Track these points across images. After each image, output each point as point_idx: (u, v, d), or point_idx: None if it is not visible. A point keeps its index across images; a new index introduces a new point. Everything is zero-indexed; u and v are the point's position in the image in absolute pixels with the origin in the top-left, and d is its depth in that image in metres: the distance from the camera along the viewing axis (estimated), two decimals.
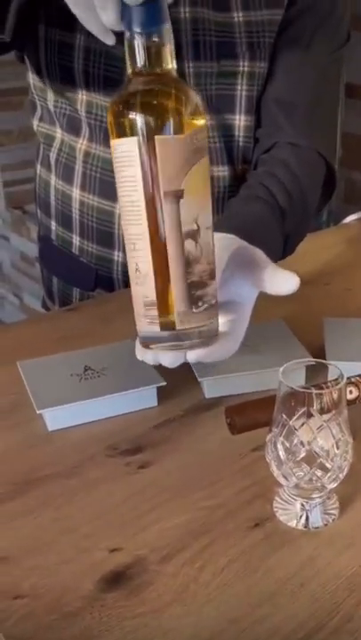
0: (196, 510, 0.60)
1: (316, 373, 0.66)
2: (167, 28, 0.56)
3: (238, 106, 0.94)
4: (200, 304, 0.63)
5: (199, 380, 0.75)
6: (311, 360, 0.63)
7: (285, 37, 0.91)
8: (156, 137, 0.57)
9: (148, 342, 0.61)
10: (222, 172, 0.96)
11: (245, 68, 0.92)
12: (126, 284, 1.09)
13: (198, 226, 0.61)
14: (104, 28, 0.59)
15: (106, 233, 1.02)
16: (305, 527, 0.58)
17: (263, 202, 0.83)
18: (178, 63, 0.91)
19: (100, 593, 0.52)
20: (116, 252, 1.03)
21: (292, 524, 0.58)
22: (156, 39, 0.56)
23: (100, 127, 0.96)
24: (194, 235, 0.61)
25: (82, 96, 0.94)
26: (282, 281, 0.65)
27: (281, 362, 0.73)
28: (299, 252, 0.90)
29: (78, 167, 1.00)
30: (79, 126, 0.98)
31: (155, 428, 0.71)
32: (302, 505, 0.58)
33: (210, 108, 0.93)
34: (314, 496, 0.57)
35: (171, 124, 0.56)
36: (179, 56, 0.90)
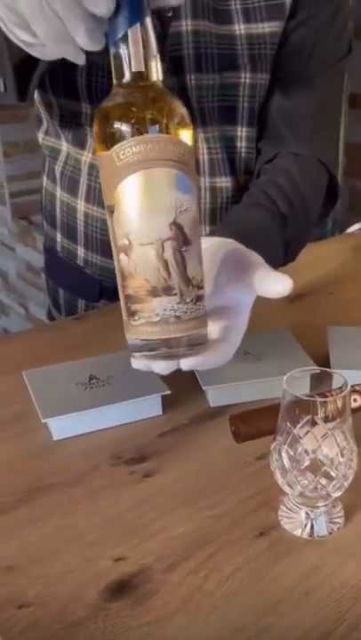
0: (201, 519, 0.60)
1: (320, 382, 0.66)
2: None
3: (240, 117, 0.95)
4: (136, 318, 0.64)
5: (204, 388, 0.75)
6: (315, 368, 0.63)
7: (287, 49, 0.91)
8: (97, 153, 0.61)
9: (132, 350, 0.63)
10: (225, 182, 0.96)
11: (247, 80, 0.93)
12: None
13: (130, 241, 0.62)
14: (77, 48, 0.59)
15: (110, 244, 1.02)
16: (310, 536, 0.58)
17: (264, 208, 0.83)
18: (180, 76, 0.93)
19: (105, 602, 0.52)
20: None
21: (297, 532, 0.58)
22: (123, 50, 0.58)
23: None
24: (126, 250, 0.63)
25: (85, 110, 0.95)
26: (274, 283, 0.63)
27: (285, 370, 0.73)
28: (303, 260, 0.90)
29: (83, 179, 1.01)
30: (84, 139, 0.99)
31: (159, 437, 0.71)
32: (307, 513, 0.58)
33: (212, 120, 0.94)
34: (319, 504, 0.57)
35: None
36: (181, 69, 0.92)
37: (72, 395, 0.73)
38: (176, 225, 0.64)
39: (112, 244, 0.63)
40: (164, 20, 0.89)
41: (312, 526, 0.58)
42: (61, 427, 0.71)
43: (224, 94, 0.93)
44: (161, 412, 0.75)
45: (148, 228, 0.63)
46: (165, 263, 0.64)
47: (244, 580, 0.54)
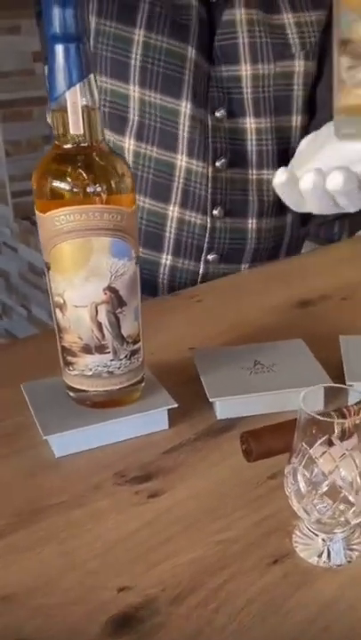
0: (211, 545, 0.56)
1: (335, 396, 0.63)
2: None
3: (295, 106, 0.96)
4: (71, 369, 0.67)
5: (211, 400, 0.71)
6: (330, 385, 0.60)
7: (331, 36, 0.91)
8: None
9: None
10: (272, 175, 0.95)
11: (301, 68, 0.94)
12: (172, 289, 1.06)
13: (64, 301, 0.64)
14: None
15: (156, 235, 1.04)
16: (327, 564, 0.54)
17: None
18: (235, 67, 0.95)
19: (108, 638, 0.49)
20: (163, 255, 1.04)
21: (314, 560, 0.54)
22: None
23: (153, 127, 0.96)
24: (61, 307, 0.65)
25: (134, 93, 0.95)
26: None
27: (297, 383, 0.70)
28: (313, 264, 0.87)
29: None
30: (125, 125, 0.98)
31: (165, 454, 0.67)
32: (323, 540, 0.54)
33: (266, 110, 0.96)
34: (336, 531, 0.54)
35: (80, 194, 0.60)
36: (235, 58, 0.92)
37: (74, 409, 0.69)
38: (110, 289, 0.64)
39: (50, 295, 0.65)
40: (213, 8, 0.90)
41: (329, 554, 0.54)
42: (63, 443, 0.68)
43: (279, 84, 0.95)
44: (167, 427, 0.71)
45: (81, 292, 0.63)
46: (99, 325, 0.64)
47: (258, 613, 0.50)
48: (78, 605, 0.51)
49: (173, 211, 1.01)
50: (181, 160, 0.99)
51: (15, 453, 0.68)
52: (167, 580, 0.53)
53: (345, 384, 0.71)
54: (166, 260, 1.04)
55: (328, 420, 0.51)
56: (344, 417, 0.53)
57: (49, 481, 0.64)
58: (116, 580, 0.53)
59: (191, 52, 0.91)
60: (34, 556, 0.56)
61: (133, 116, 0.98)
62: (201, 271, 1.05)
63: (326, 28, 0.92)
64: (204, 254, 1.04)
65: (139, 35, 0.91)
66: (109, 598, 0.52)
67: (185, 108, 0.94)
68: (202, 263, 1.04)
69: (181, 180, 1.00)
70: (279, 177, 0.83)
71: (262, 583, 0.52)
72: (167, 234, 1.02)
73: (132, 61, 0.93)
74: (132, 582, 0.53)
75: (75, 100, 0.59)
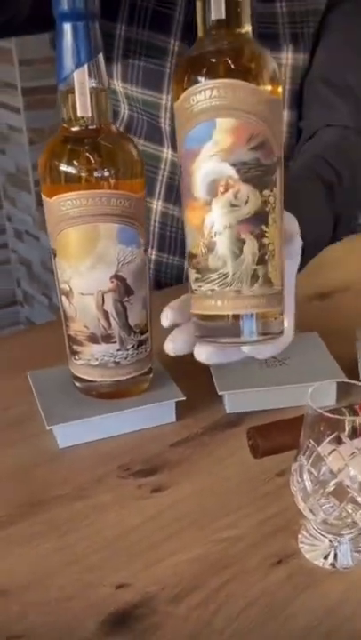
0: (214, 543, 0.54)
1: (348, 392, 0.60)
2: None
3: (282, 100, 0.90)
4: (77, 358, 0.65)
5: (220, 393, 0.69)
6: (342, 380, 0.57)
7: (327, 20, 0.86)
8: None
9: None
10: None
11: (289, 61, 0.88)
12: (158, 283, 1.04)
13: (70, 288, 0.62)
14: None
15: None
16: (333, 566, 0.52)
17: (308, 180, 0.76)
18: None
19: (104, 636, 0.47)
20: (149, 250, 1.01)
21: (319, 562, 0.52)
22: None
23: (141, 120, 0.95)
24: (67, 294, 0.63)
25: (119, 88, 0.93)
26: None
27: (310, 378, 0.67)
28: (330, 256, 0.84)
29: None
30: (116, 120, 0.97)
31: (171, 447, 0.65)
32: (330, 541, 0.52)
33: None
34: (343, 533, 0.51)
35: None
36: None
37: (80, 399, 0.68)
38: (118, 277, 0.62)
39: (56, 283, 0.63)
40: None
41: (336, 556, 0.52)
42: (68, 434, 0.66)
43: None
44: (175, 420, 0.69)
45: (87, 280, 0.61)
46: (106, 314, 0.62)
47: (258, 616, 0.48)
48: (74, 602, 0.50)
49: (157, 205, 0.99)
50: (167, 153, 0.96)
51: (18, 443, 0.67)
52: (167, 578, 0.51)
53: (360, 380, 0.68)
54: (151, 254, 1.02)
55: (338, 417, 0.49)
56: (356, 414, 0.51)
57: (51, 472, 0.63)
58: (115, 576, 0.52)
59: (174, 45, 0.88)
60: (31, 549, 0.54)
61: (124, 110, 0.97)
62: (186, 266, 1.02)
63: (323, 19, 0.86)
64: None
65: (120, 28, 0.88)
66: (106, 595, 0.50)
67: (166, 101, 0.92)
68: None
69: (166, 174, 0.98)
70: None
71: (265, 584, 0.50)
72: (151, 228, 1.00)
73: (114, 56, 0.90)
74: (131, 579, 0.51)
75: (83, 80, 0.57)
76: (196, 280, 0.51)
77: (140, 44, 0.89)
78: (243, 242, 0.49)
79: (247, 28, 0.49)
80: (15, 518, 0.58)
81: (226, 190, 0.48)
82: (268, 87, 0.48)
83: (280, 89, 0.49)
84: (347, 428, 0.50)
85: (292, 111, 0.90)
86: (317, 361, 0.73)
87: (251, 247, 0.49)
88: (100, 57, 0.57)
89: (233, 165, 0.47)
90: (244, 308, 0.50)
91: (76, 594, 0.50)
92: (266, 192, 0.48)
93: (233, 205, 0.48)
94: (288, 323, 0.55)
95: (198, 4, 0.49)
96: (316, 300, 0.92)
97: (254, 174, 0.48)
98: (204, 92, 0.47)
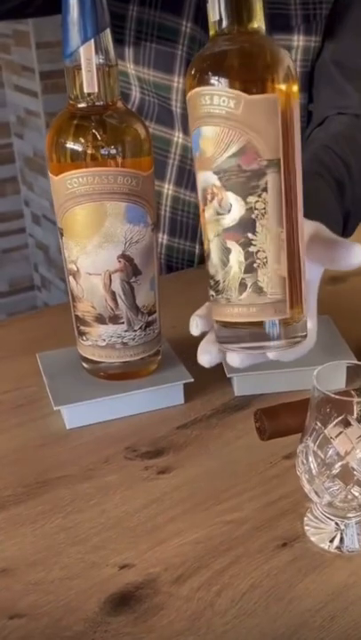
0: (219, 525, 0.54)
1: (358, 375, 0.59)
2: None
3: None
4: (85, 339, 0.65)
5: (228, 375, 0.68)
6: (350, 362, 0.56)
7: (340, 3, 0.84)
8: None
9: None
10: None
11: (300, 43, 0.86)
12: (169, 268, 1.04)
13: (77, 268, 0.61)
14: None
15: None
16: (339, 550, 0.51)
17: (318, 177, 0.75)
18: None
19: (105, 616, 0.47)
20: (160, 234, 1.00)
21: (325, 545, 0.51)
22: None
23: (152, 103, 0.94)
24: (74, 274, 0.62)
25: (131, 70, 0.92)
26: (345, 252, 0.53)
27: (320, 360, 0.66)
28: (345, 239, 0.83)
29: None
30: (128, 102, 0.96)
31: (179, 429, 0.65)
32: (337, 524, 0.52)
33: None
34: (350, 515, 0.51)
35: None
36: None
37: (88, 381, 0.67)
38: (125, 257, 0.61)
39: (63, 261, 0.62)
40: None
41: (342, 539, 0.51)
42: (75, 415, 0.66)
43: None
44: (183, 402, 0.69)
45: (94, 260, 0.60)
46: (113, 294, 0.62)
47: (262, 598, 0.48)
48: (77, 581, 0.50)
49: (168, 189, 0.98)
50: (178, 137, 0.95)
51: (26, 423, 0.67)
52: (170, 559, 0.51)
53: None
54: (162, 239, 1.01)
55: (342, 398, 0.48)
56: None
57: (58, 453, 0.63)
58: (118, 557, 0.52)
59: (185, 26, 0.87)
60: (35, 529, 0.54)
61: (135, 93, 0.96)
62: (197, 252, 1.02)
63: (336, 2, 0.84)
64: (199, 234, 1.00)
65: (132, 9, 0.87)
66: (109, 576, 0.50)
67: (177, 83, 0.91)
68: (197, 244, 1.01)
69: (177, 157, 0.96)
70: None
71: (269, 567, 0.50)
72: (162, 212, 0.99)
73: (126, 38, 0.89)
74: (135, 560, 0.51)
75: (89, 56, 0.56)
76: (209, 287, 0.51)
77: (151, 24, 0.88)
78: (229, 250, 0.48)
79: (259, 24, 0.48)
80: (21, 497, 0.58)
81: (213, 199, 0.48)
82: (283, 86, 0.46)
83: (295, 87, 0.48)
84: (355, 411, 0.49)
85: (303, 94, 0.89)
86: (329, 344, 0.72)
87: (236, 256, 0.48)
88: (108, 32, 0.56)
89: (216, 173, 0.47)
90: (232, 317, 0.50)
91: (79, 573, 0.50)
92: (251, 199, 0.47)
93: (219, 214, 0.48)
94: (312, 325, 0.54)
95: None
96: (330, 283, 0.91)
97: (236, 181, 0.47)
98: (194, 100, 0.47)
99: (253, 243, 0.47)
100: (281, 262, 0.48)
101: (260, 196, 0.47)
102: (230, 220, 0.47)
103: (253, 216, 0.47)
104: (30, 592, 0.49)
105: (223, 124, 0.46)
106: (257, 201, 0.47)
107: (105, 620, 0.47)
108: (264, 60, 0.47)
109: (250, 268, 0.48)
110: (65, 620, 0.47)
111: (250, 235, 0.47)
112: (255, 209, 0.47)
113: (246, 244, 0.47)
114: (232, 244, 0.48)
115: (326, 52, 0.86)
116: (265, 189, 0.46)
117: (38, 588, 0.49)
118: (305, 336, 0.52)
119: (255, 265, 0.48)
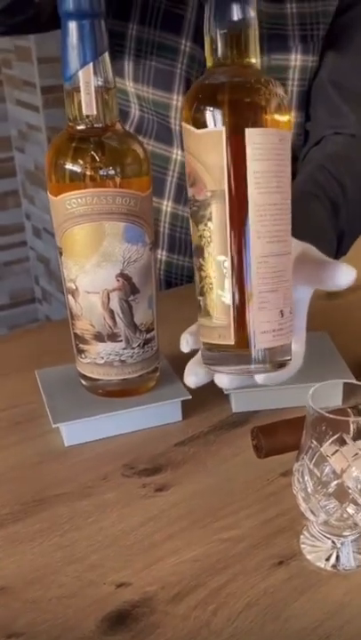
0: (215, 543, 0.54)
1: (354, 393, 0.60)
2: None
3: (289, 102, 0.89)
4: (83, 356, 0.65)
5: (226, 392, 0.69)
6: (348, 381, 0.57)
7: (338, 23, 0.85)
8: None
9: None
10: None
11: (298, 62, 0.87)
12: (168, 284, 1.04)
13: (76, 287, 0.62)
14: None
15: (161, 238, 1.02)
16: (335, 568, 0.51)
17: (313, 197, 0.76)
18: None
19: (102, 635, 0.47)
20: (159, 251, 1.00)
21: (321, 563, 0.52)
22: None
23: (151, 120, 0.95)
24: (73, 293, 0.63)
25: (130, 88, 0.93)
26: (335, 273, 0.54)
27: (318, 377, 0.66)
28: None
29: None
30: (126, 120, 0.97)
31: (176, 446, 0.65)
32: (333, 542, 0.52)
33: None
34: (345, 534, 0.51)
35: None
36: None
37: (86, 398, 0.68)
38: (123, 276, 0.62)
39: (62, 280, 0.63)
40: None
41: (338, 557, 0.52)
42: (74, 432, 0.66)
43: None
44: (181, 419, 0.69)
45: (93, 278, 0.61)
46: (111, 312, 0.62)
47: (258, 617, 0.48)
48: (75, 600, 0.50)
49: (167, 205, 0.99)
50: (176, 154, 0.96)
51: (25, 441, 0.67)
52: (167, 577, 0.51)
53: None
54: (161, 255, 1.02)
55: (336, 417, 0.48)
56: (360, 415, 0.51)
57: (56, 470, 0.63)
58: (115, 575, 0.52)
59: (185, 45, 0.87)
60: (33, 547, 0.55)
61: (134, 110, 0.97)
62: None
63: (333, 22, 0.85)
64: None
65: (132, 28, 0.88)
66: (107, 594, 0.50)
67: (176, 101, 0.91)
68: None
69: (176, 175, 0.97)
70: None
71: (265, 585, 0.50)
72: (161, 229, 1.00)
73: (126, 56, 0.90)
74: (132, 578, 0.51)
75: (88, 79, 0.57)
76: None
77: (151, 43, 0.89)
78: (195, 274, 0.52)
79: (255, 59, 0.50)
80: (19, 515, 0.58)
81: None
82: (276, 117, 0.48)
83: (287, 117, 0.49)
84: (351, 429, 0.50)
85: (300, 112, 0.90)
86: (326, 361, 0.72)
87: (197, 279, 0.51)
88: (106, 56, 0.57)
89: (188, 201, 0.51)
90: (202, 336, 0.52)
91: (77, 592, 0.51)
92: (201, 227, 0.49)
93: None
94: (299, 347, 0.55)
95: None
96: (326, 299, 0.92)
97: (193, 210, 0.50)
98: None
99: (203, 268, 0.50)
100: (225, 290, 0.49)
101: (206, 224, 0.49)
102: (193, 246, 0.51)
103: (202, 243, 0.49)
104: (28, 610, 0.49)
105: (187, 157, 0.49)
106: (204, 229, 0.49)
107: (102, 638, 0.47)
108: (221, 93, 0.47)
109: (201, 292, 0.51)
110: (62, 638, 0.47)
111: (201, 260, 0.50)
112: (203, 237, 0.49)
113: (199, 269, 0.50)
114: (195, 268, 0.51)
115: (324, 72, 0.87)
116: (210, 219, 0.48)
117: (36, 607, 0.49)
118: (290, 359, 0.52)
119: (204, 290, 0.50)
